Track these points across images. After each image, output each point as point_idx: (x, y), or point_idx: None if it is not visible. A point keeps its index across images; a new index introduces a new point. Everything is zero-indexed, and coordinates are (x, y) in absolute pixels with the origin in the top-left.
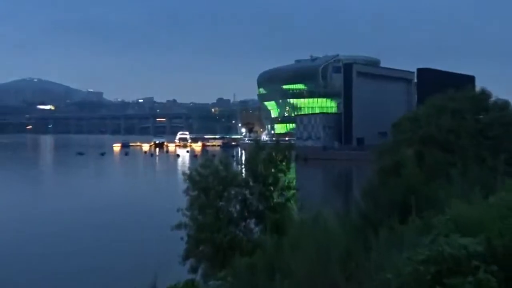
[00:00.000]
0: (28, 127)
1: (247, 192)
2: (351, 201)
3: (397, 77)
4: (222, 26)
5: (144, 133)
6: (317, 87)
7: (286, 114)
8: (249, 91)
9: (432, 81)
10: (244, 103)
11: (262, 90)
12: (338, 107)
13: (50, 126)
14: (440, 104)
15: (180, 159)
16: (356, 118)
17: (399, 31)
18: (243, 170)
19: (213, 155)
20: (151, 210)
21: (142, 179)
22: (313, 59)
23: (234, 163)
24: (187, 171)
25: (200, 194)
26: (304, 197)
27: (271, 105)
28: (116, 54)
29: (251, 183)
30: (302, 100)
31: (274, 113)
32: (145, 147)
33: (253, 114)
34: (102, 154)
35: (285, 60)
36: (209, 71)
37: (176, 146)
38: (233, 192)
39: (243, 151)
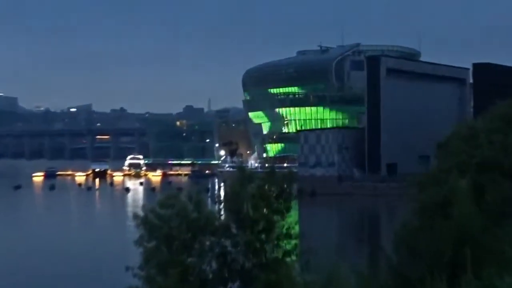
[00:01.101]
0: None
1: (228, 242)
2: (379, 253)
3: (446, 76)
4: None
5: (78, 156)
6: (329, 90)
7: (284, 130)
8: (231, 97)
9: (494, 81)
10: (223, 113)
11: (248, 95)
12: (359, 119)
13: None
14: (509, 114)
15: (130, 195)
16: (385, 136)
17: (448, 13)
18: (222, 211)
19: (179, 189)
20: (88, 269)
21: (74, 225)
22: (323, 50)
23: (209, 201)
24: (141, 212)
25: (159, 246)
26: (310, 249)
27: (261, 117)
28: (36, 43)
29: (233, 230)
30: (307, 109)
31: (266, 128)
32: (80, 177)
33: (237, 129)
34: (17, 187)
35: (282, 51)
36: (172, 68)
37: (124, 175)
38: (207, 242)
39: (222, 183)
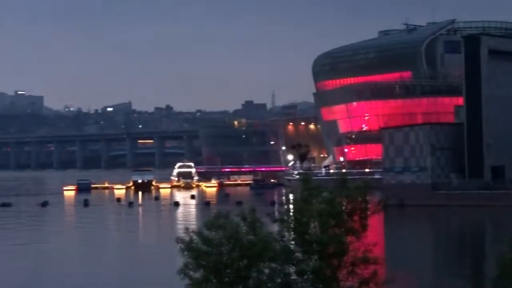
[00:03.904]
0: None
1: (291, 270)
2: (484, 284)
3: None
4: None
5: (116, 165)
6: (418, 77)
7: (364, 127)
8: (299, 89)
9: None
10: (289, 109)
11: (321, 87)
12: (457, 113)
13: None
14: None
15: (180, 211)
16: (489, 133)
17: None
18: (285, 231)
19: (238, 202)
20: None
21: (111, 257)
22: (410, 29)
23: (273, 218)
24: (184, 236)
25: (208, 276)
26: (394, 278)
27: (336, 112)
28: (63, 33)
29: (298, 255)
30: (392, 101)
31: (342, 126)
32: (119, 190)
33: (307, 129)
34: (43, 204)
35: (361, 32)
36: (227, 57)
37: (172, 187)
38: (266, 271)
39: (290, 194)
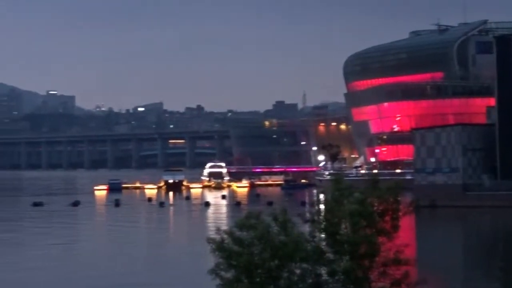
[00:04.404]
0: None
1: (323, 270)
2: None
3: None
4: None
5: (148, 165)
6: (450, 78)
7: (395, 128)
8: (330, 90)
9: None
10: (320, 109)
11: (352, 87)
12: (489, 113)
13: None
14: None
15: (210, 211)
16: None
17: None
18: (317, 232)
19: (269, 203)
20: None
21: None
22: (442, 30)
23: (304, 218)
24: (215, 236)
25: (239, 276)
26: (425, 279)
27: (368, 113)
28: (96, 33)
29: (329, 255)
30: (423, 102)
31: (374, 127)
32: (150, 190)
33: (338, 129)
34: (75, 204)
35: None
36: (258, 57)
37: (203, 187)
38: (298, 271)
39: (321, 195)
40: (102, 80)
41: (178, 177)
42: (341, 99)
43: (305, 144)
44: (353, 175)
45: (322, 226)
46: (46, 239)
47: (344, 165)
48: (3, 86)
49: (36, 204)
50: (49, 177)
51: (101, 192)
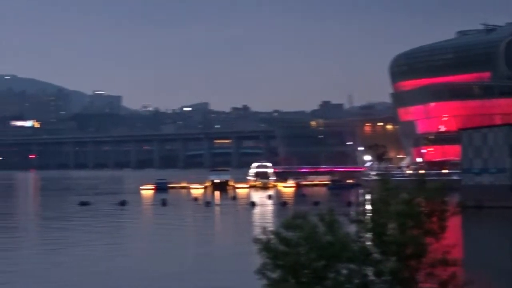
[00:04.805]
0: None
1: (369, 271)
2: None
3: None
4: None
5: (194, 165)
6: (497, 78)
7: (441, 128)
8: (376, 90)
9: None
10: (367, 109)
11: (398, 87)
12: None
13: (33, 156)
14: None
15: (256, 211)
16: None
17: None
18: (363, 232)
19: (315, 203)
20: None
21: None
22: (489, 30)
23: (347, 219)
24: (262, 236)
25: (286, 276)
26: (473, 280)
27: (414, 113)
28: (143, 33)
29: (376, 256)
30: (470, 102)
31: (420, 127)
32: (196, 190)
33: (384, 129)
34: (122, 203)
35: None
36: (304, 57)
37: (249, 187)
38: (344, 271)
39: (367, 195)
40: (148, 80)
41: (224, 177)
42: (388, 99)
43: (351, 144)
44: (399, 175)
45: (369, 226)
46: (95, 238)
47: (390, 165)
48: (51, 86)
49: (83, 204)
50: (95, 176)
51: (147, 191)
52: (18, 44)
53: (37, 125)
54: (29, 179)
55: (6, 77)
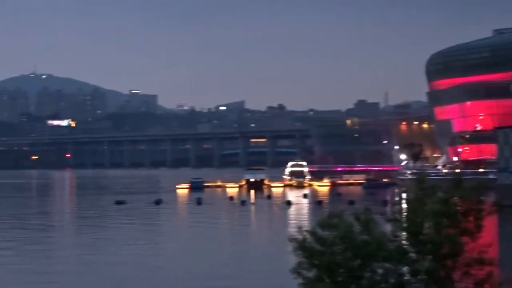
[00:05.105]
0: (34, 157)
1: (405, 270)
2: None
3: None
4: None
5: (229, 164)
6: None
7: (478, 127)
8: (412, 89)
9: None
10: (403, 108)
11: (434, 86)
12: None
13: (69, 155)
14: None
15: (292, 210)
16: None
17: None
18: (399, 231)
19: (351, 202)
20: None
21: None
22: None
23: (383, 218)
24: (297, 235)
25: (321, 275)
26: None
27: (450, 112)
28: (178, 35)
29: (412, 255)
30: (507, 101)
31: (456, 126)
32: (231, 189)
33: (420, 128)
34: (157, 202)
35: (475, 31)
36: (340, 56)
37: (285, 186)
38: (380, 271)
39: (403, 194)
40: (184, 79)
41: (260, 176)
42: (423, 98)
43: (387, 143)
44: (435, 175)
45: (405, 225)
46: (132, 237)
47: (426, 164)
48: (87, 85)
49: (118, 203)
50: (131, 175)
51: (183, 190)
52: (55, 44)
53: (73, 124)
54: (65, 178)
55: (42, 76)
